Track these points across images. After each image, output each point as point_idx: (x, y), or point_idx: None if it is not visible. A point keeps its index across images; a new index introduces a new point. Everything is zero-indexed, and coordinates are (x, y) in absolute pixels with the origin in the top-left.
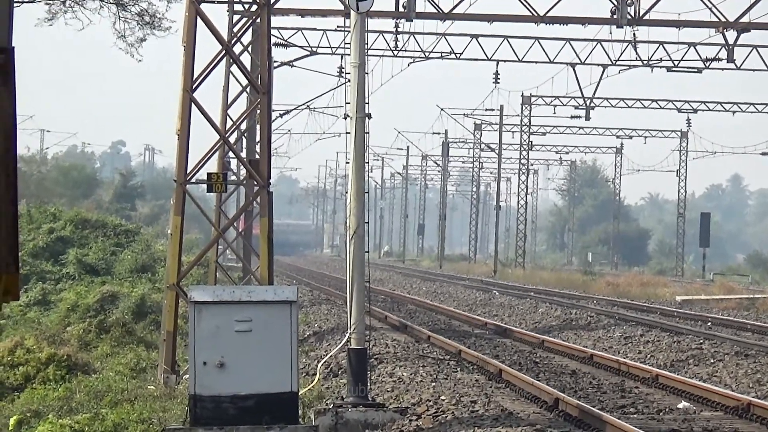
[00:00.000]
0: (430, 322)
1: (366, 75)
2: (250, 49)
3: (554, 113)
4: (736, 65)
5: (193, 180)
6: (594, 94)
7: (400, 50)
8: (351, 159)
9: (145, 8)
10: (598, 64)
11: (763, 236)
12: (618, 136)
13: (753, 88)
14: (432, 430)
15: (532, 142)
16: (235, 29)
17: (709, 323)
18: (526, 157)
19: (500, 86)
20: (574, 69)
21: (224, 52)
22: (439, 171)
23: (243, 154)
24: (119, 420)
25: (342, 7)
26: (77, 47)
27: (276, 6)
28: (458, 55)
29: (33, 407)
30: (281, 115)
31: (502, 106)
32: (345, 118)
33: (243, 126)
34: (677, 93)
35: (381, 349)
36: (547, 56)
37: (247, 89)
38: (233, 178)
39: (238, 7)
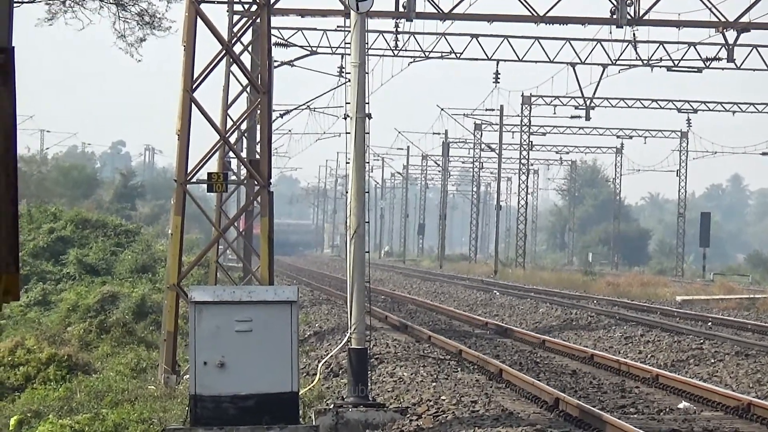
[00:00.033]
0: (430, 322)
1: (366, 75)
2: (250, 48)
3: (554, 113)
4: (736, 65)
5: (194, 180)
6: (594, 94)
7: (400, 50)
8: (351, 159)
9: (145, 8)
10: (598, 64)
11: (763, 236)
12: (618, 136)
13: (753, 88)
14: (432, 430)
15: (532, 142)
16: (235, 29)
17: (710, 323)
18: (527, 157)
19: (500, 86)
20: (574, 69)
21: (224, 52)
22: (439, 171)
23: (243, 154)
24: (119, 420)
25: (342, 7)
26: (77, 47)
27: (276, 6)
28: (458, 55)
29: (33, 407)
30: (281, 115)
31: (502, 106)
32: (345, 118)
33: (243, 126)
34: (677, 93)
35: (381, 349)
36: (547, 56)
37: (248, 89)
38: (233, 177)
39: (238, 7)
